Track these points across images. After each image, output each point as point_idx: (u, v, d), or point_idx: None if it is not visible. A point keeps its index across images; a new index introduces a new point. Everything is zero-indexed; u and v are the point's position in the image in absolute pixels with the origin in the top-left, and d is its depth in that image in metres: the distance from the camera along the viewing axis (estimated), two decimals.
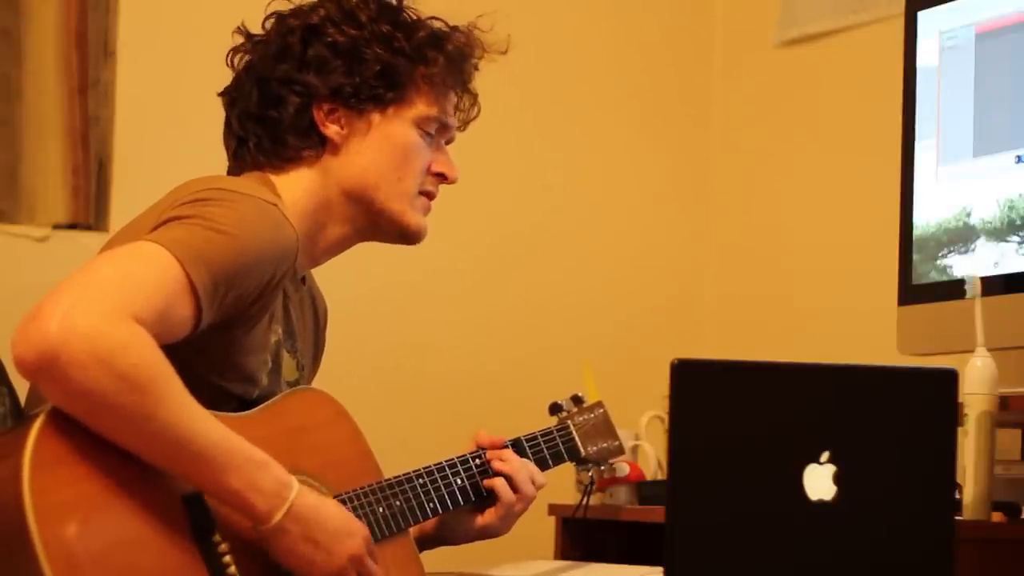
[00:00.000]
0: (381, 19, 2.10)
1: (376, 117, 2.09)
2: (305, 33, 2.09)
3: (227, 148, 2.14)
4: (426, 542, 2.15)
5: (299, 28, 2.09)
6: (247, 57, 2.12)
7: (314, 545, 1.81)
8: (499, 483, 2.14)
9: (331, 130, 2.08)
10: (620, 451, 2.35)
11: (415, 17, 2.13)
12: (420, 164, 2.11)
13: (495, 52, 2.16)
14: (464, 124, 2.20)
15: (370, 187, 2.09)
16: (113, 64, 3.03)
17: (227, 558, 1.78)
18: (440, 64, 2.10)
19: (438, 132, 2.14)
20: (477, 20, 2.15)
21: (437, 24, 2.14)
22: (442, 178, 2.15)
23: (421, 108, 2.11)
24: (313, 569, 1.82)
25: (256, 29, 2.13)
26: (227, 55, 2.13)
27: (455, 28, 2.14)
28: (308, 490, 1.82)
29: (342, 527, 1.85)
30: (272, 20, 2.12)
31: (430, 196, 2.14)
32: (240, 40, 2.13)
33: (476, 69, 2.17)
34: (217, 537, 1.78)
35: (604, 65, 3.58)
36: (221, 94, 2.13)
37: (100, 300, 1.69)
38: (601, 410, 2.33)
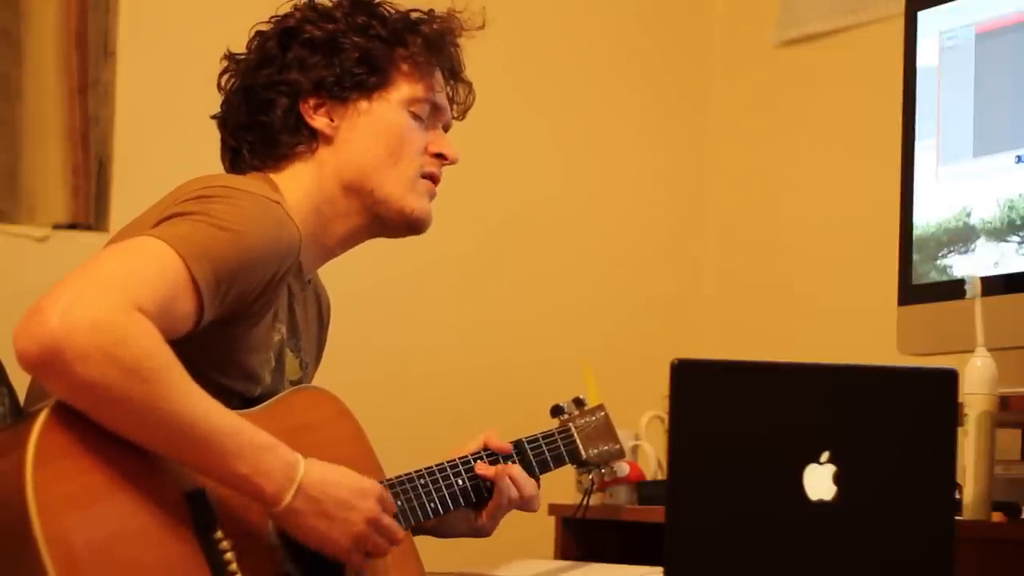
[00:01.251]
0: (356, 12, 2.13)
1: (363, 104, 2.10)
2: (282, 37, 2.11)
3: (224, 163, 2.15)
4: (415, 530, 2.15)
5: (275, 34, 2.12)
6: (233, 79, 2.13)
7: (328, 520, 1.82)
8: (504, 482, 2.14)
9: (319, 123, 2.09)
10: (621, 454, 2.35)
11: (391, 10, 2.15)
12: (414, 146, 2.12)
13: (472, 28, 2.17)
14: (462, 113, 2.21)
15: (365, 175, 2.09)
16: (113, 64, 3.03)
17: (228, 555, 1.78)
18: (419, 45, 2.12)
19: (431, 115, 2.15)
20: (453, 2, 2.16)
21: (414, 14, 2.15)
22: (442, 159, 2.15)
23: (406, 90, 2.12)
24: (331, 543, 1.83)
25: (243, 46, 2.15)
26: (217, 80, 2.14)
27: (431, 11, 2.16)
28: (314, 464, 1.82)
29: (352, 493, 1.85)
30: (254, 38, 2.14)
31: (434, 179, 2.14)
32: (226, 65, 2.15)
33: (457, 47, 2.17)
34: (219, 533, 1.78)
35: (603, 65, 3.58)
36: (214, 117, 2.15)
37: (102, 293, 1.70)
38: (602, 413, 2.33)
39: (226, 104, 2.14)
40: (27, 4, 2.96)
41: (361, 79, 2.09)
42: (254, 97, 2.10)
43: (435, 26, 2.14)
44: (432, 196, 2.14)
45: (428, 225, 2.14)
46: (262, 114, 2.09)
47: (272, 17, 2.14)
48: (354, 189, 2.09)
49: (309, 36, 2.09)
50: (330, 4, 2.14)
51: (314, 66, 2.09)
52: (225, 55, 2.15)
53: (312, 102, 2.09)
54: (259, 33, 2.14)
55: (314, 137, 2.09)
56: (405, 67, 2.12)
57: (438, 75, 2.16)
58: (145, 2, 3.08)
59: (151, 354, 1.71)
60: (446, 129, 2.19)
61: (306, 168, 2.09)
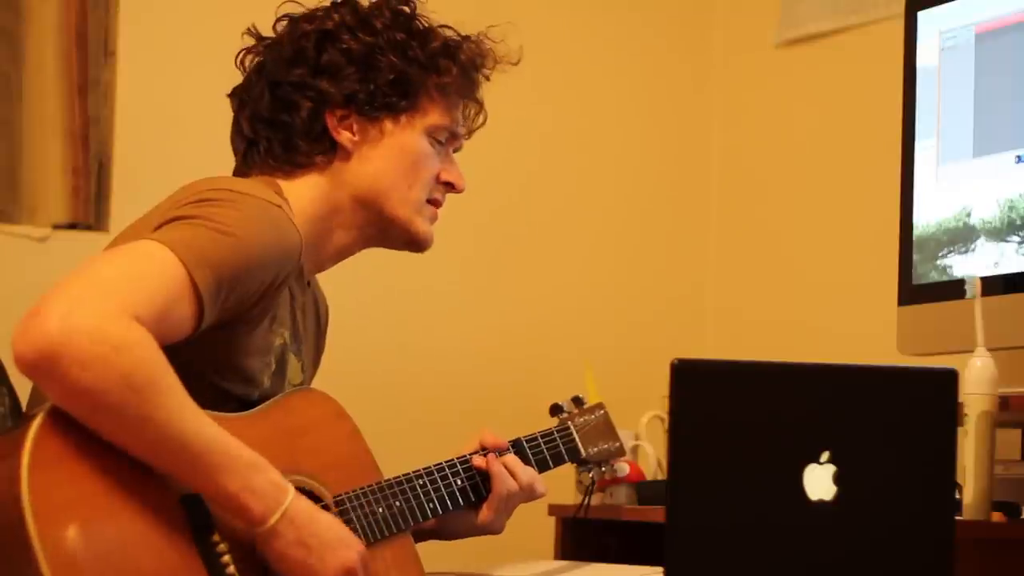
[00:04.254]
0: (395, 27, 2.10)
1: (388, 125, 2.10)
2: (319, 38, 2.09)
3: (235, 150, 2.13)
4: (420, 534, 2.15)
5: (313, 33, 2.09)
6: (258, 59, 2.12)
7: (307, 550, 1.81)
8: (498, 469, 2.14)
9: (343, 136, 2.08)
10: (621, 452, 2.35)
11: (428, 25, 2.14)
12: (430, 173, 2.12)
13: (506, 63, 2.17)
14: (469, 132, 2.21)
15: (381, 194, 2.09)
16: (113, 64, 3.03)
17: (226, 558, 1.78)
18: (453, 74, 2.11)
19: (447, 141, 2.15)
20: (488, 30, 2.15)
21: (449, 33, 2.14)
22: (450, 187, 2.16)
23: (434, 117, 2.11)
24: (303, 574, 1.82)
25: (263, 30, 2.13)
26: (237, 56, 2.13)
27: (467, 38, 2.15)
28: (304, 497, 1.82)
29: (336, 537, 1.84)
30: (284, 23, 2.12)
31: (437, 204, 2.15)
32: (251, 42, 2.13)
33: (487, 79, 2.17)
34: (216, 537, 1.78)
35: (603, 66, 3.58)
36: (231, 95, 2.14)
37: (101, 298, 1.69)
38: (602, 411, 2.33)
39: (246, 85, 2.12)
40: (27, 4, 2.96)
41: (391, 101, 2.08)
42: (280, 94, 2.08)
43: (470, 55, 2.13)
44: (434, 220, 2.15)
45: (429, 246, 2.15)
46: (285, 114, 2.08)
47: (309, 11, 2.12)
48: (365, 204, 2.09)
49: (347, 45, 2.08)
50: (369, 8, 2.12)
51: (347, 78, 2.07)
52: (251, 32, 2.13)
53: (339, 114, 2.08)
54: (292, 21, 2.12)
55: (333, 149, 2.08)
56: (436, 95, 2.11)
57: (462, 104, 2.16)
58: (145, 2, 3.07)
59: (146, 364, 1.70)
60: (456, 151, 2.19)
61: (319, 179, 2.08)
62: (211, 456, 1.74)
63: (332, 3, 2.14)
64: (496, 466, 2.14)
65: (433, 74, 2.11)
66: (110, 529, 1.70)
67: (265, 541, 1.79)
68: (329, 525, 1.84)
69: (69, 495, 1.68)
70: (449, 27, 2.15)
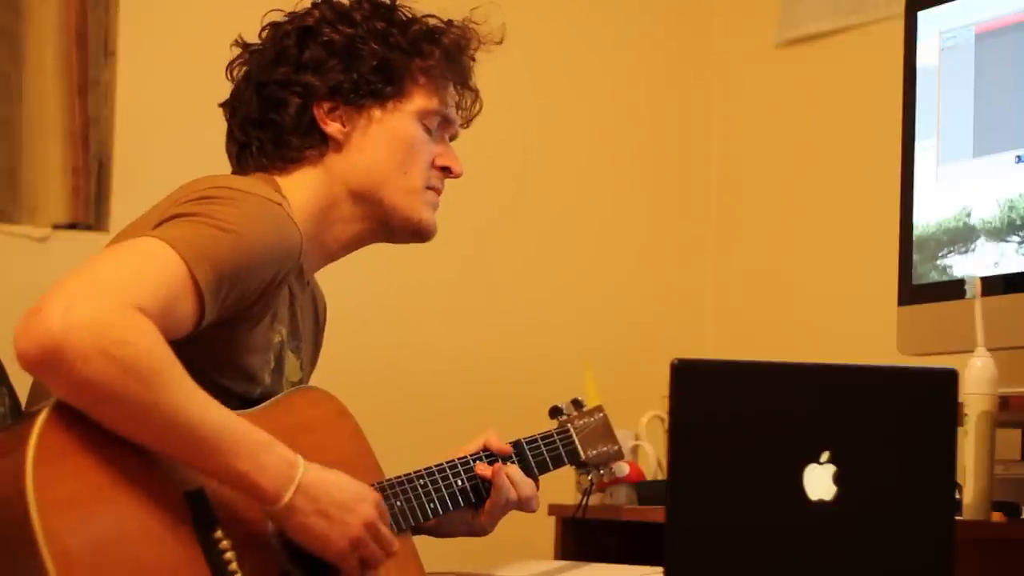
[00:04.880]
0: (375, 17, 2.12)
1: (377, 112, 2.10)
2: (300, 35, 2.10)
3: (229, 155, 2.15)
4: (415, 529, 2.15)
5: (294, 31, 2.11)
6: (244, 68, 2.13)
7: (327, 519, 1.82)
8: (501, 481, 2.14)
9: (333, 127, 2.09)
10: (620, 456, 2.35)
11: (409, 15, 2.15)
12: (424, 158, 2.12)
13: (490, 42, 2.18)
14: (467, 121, 2.21)
15: (376, 184, 2.10)
16: (113, 64, 3.03)
17: (228, 554, 1.78)
18: (436, 57, 2.12)
19: (441, 126, 2.15)
20: (472, 13, 2.16)
21: (432, 20, 2.15)
22: (447, 172, 2.16)
23: (420, 101, 2.12)
24: (329, 542, 1.83)
25: (253, 37, 2.15)
26: (226, 68, 2.14)
27: (450, 22, 2.15)
28: (314, 465, 1.83)
29: (351, 496, 1.85)
30: (268, 30, 2.14)
31: (436, 192, 2.15)
32: (237, 52, 2.14)
33: (473, 61, 2.18)
34: (219, 533, 1.78)
35: (604, 66, 3.58)
36: (222, 105, 2.15)
37: (102, 293, 1.70)
38: (601, 414, 2.33)
39: (236, 93, 2.14)
40: (27, 4, 2.96)
41: (377, 88, 2.09)
42: (266, 94, 2.10)
43: (453, 38, 2.14)
44: (435, 208, 2.15)
45: (433, 234, 2.15)
46: (273, 112, 2.09)
47: (290, 13, 2.14)
48: (362, 196, 2.10)
49: (328, 38, 2.09)
50: (348, 3, 2.13)
51: (331, 70, 2.08)
52: (237, 42, 2.15)
53: (326, 106, 2.09)
54: (274, 26, 2.13)
55: (324, 142, 2.09)
56: (421, 79, 2.12)
57: (451, 87, 2.16)
58: (145, 2, 3.07)
59: (151, 353, 1.71)
60: (452, 139, 2.19)
61: (313, 172, 2.09)
62: (219, 439, 1.75)
63: (312, 2, 2.15)
64: (500, 478, 2.14)
65: (416, 58, 2.11)
66: (113, 524, 1.71)
67: (283, 517, 1.80)
68: (341, 485, 1.85)
69: (73, 490, 1.68)
70: (433, 15, 2.16)
